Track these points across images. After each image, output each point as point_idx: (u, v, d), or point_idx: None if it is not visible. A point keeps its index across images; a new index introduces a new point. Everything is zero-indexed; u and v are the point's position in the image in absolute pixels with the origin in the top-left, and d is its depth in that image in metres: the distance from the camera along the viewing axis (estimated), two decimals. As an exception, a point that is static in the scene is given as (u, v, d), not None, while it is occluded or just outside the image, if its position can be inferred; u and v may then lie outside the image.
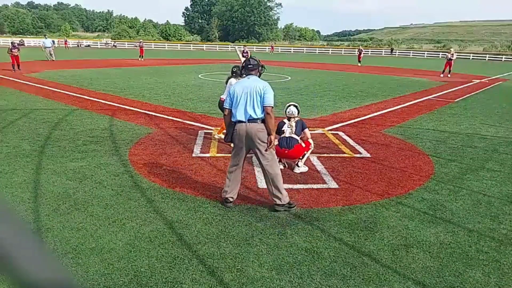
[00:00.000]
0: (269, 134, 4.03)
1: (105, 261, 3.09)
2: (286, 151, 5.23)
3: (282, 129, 5.40)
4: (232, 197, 4.20)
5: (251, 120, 3.99)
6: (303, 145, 5.40)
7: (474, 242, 3.58)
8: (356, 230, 3.74)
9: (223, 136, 6.99)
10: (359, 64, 30.34)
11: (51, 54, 25.76)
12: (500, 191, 4.88)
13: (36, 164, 5.37)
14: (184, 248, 3.32)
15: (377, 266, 3.15)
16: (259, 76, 4.23)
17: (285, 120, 5.51)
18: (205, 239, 3.48)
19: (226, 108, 4.17)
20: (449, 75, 22.25)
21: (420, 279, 2.99)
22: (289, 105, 5.49)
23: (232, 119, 4.13)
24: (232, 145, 4.37)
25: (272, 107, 4.01)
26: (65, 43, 51.87)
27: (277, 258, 3.21)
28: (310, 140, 5.52)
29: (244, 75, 4.29)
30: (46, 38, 27.46)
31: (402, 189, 4.84)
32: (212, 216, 3.93)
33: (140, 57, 29.66)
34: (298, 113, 5.48)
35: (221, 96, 6.58)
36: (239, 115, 4.03)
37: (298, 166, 5.38)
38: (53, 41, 29.50)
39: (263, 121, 4.02)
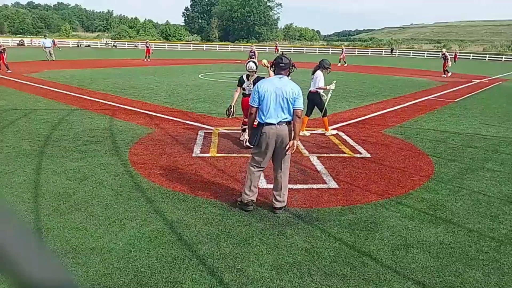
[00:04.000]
0: (294, 138, 3.88)
1: (105, 261, 3.09)
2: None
3: (243, 86, 6.11)
4: (254, 200, 4.05)
5: (280, 123, 3.83)
6: None
7: (474, 242, 3.58)
8: (356, 230, 3.74)
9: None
10: (339, 64, 29.02)
11: (51, 54, 25.73)
12: (500, 191, 4.88)
13: (36, 164, 5.37)
14: (184, 248, 3.32)
15: (377, 266, 3.15)
16: (288, 76, 4.02)
17: (245, 77, 6.17)
18: (205, 239, 3.48)
19: (253, 107, 3.91)
20: (443, 75, 22.08)
21: (420, 279, 2.99)
22: (249, 61, 6.00)
23: (259, 120, 3.91)
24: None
25: (302, 110, 3.93)
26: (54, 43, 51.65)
27: (277, 258, 3.21)
28: None
29: (274, 74, 4.08)
30: (46, 38, 27.39)
31: (402, 189, 4.84)
32: (212, 216, 3.93)
33: (146, 57, 28.89)
34: (257, 69, 6.01)
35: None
36: (271, 118, 3.81)
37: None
38: (53, 41, 29.42)
39: (290, 122, 3.89)
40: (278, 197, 4.02)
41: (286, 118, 3.85)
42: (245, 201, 4.01)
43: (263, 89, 3.84)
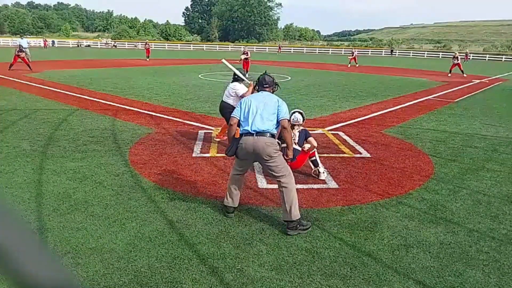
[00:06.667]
0: (288, 149, 3.88)
1: (105, 261, 3.09)
2: (289, 163, 4.49)
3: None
4: (234, 207, 3.98)
5: (259, 133, 3.71)
6: (305, 150, 5.07)
7: (474, 242, 3.58)
8: (356, 230, 3.73)
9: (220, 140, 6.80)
10: (356, 65, 30.04)
11: (26, 55, 24.77)
12: (500, 191, 4.88)
13: (37, 164, 5.37)
14: (184, 248, 3.32)
15: (377, 266, 3.15)
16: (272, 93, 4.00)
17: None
18: (205, 239, 3.48)
19: (234, 117, 3.85)
20: (464, 75, 22.81)
21: (420, 279, 2.99)
22: (294, 112, 5.08)
23: (240, 131, 3.86)
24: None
25: (289, 120, 3.80)
26: (44, 43, 52.01)
27: (277, 258, 3.21)
28: (314, 143, 5.11)
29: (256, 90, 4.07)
30: (22, 38, 26.50)
31: (402, 189, 4.84)
32: (212, 216, 3.93)
33: (147, 57, 30.52)
34: (303, 121, 5.16)
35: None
36: (248, 127, 3.73)
37: (322, 172, 5.15)
38: (29, 42, 28.69)
39: (273, 135, 3.75)
40: (282, 208, 3.80)
41: (266, 129, 3.69)
42: (225, 206, 3.97)
43: (245, 102, 3.85)
